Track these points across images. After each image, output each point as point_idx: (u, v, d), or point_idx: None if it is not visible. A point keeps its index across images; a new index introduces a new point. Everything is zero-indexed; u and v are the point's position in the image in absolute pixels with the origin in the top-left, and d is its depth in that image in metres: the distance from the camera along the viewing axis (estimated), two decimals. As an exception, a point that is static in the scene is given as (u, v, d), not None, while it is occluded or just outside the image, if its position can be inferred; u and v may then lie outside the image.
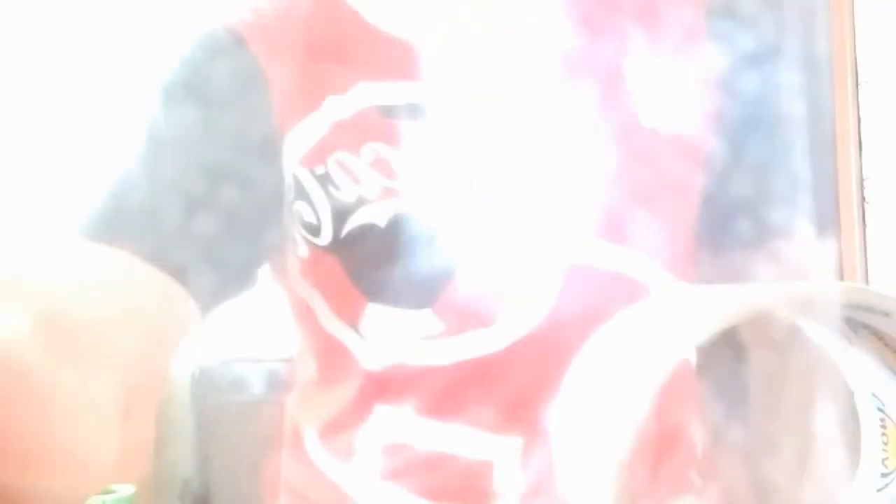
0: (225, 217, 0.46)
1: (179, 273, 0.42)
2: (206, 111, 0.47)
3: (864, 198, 1.36)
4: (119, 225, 0.43)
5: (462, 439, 0.48)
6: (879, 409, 0.33)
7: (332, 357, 0.52)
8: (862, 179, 1.36)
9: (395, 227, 0.46)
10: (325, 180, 0.48)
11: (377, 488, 0.50)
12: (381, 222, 0.46)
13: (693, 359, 0.51)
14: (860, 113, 1.36)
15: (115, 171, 0.44)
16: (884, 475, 0.33)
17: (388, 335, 0.48)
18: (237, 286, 0.49)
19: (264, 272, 0.54)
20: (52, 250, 0.41)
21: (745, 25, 0.53)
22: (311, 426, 0.54)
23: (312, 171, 0.48)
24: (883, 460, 0.34)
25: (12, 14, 1.36)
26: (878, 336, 0.31)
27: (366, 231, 0.47)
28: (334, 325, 0.50)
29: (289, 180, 0.49)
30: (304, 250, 0.49)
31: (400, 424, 0.49)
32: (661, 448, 0.48)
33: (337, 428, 0.52)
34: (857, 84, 1.36)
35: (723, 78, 0.52)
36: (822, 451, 0.37)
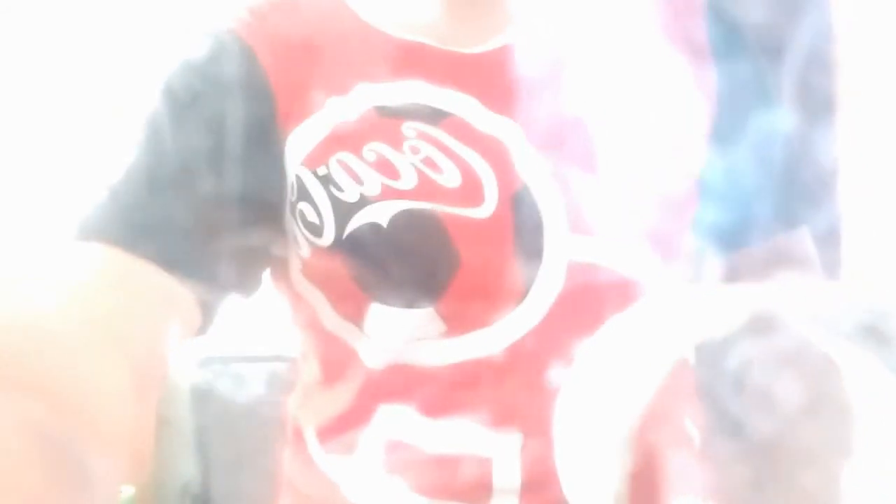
0: (227, 218, 0.46)
1: (181, 274, 0.42)
2: (207, 112, 0.47)
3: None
4: (121, 226, 0.43)
5: (462, 437, 0.48)
6: (880, 410, 0.33)
7: (335, 356, 0.52)
8: (862, 179, 1.36)
9: (397, 227, 0.46)
10: (327, 181, 0.48)
11: (378, 486, 0.50)
12: (384, 222, 0.46)
13: (693, 359, 0.51)
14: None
15: (115, 171, 0.44)
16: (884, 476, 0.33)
17: (391, 334, 0.48)
18: (240, 288, 0.49)
19: (266, 273, 0.54)
20: (53, 251, 0.41)
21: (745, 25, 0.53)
22: (312, 425, 0.54)
23: (315, 172, 0.48)
24: (883, 461, 0.34)
25: (12, 14, 1.36)
26: (879, 336, 0.31)
27: (368, 231, 0.47)
28: (338, 325, 0.50)
29: (291, 181, 0.49)
30: (306, 251, 0.49)
31: (402, 423, 0.49)
32: (660, 446, 0.48)
33: (339, 427, 0.52)
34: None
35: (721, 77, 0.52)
36: (822, 452, 0.37)
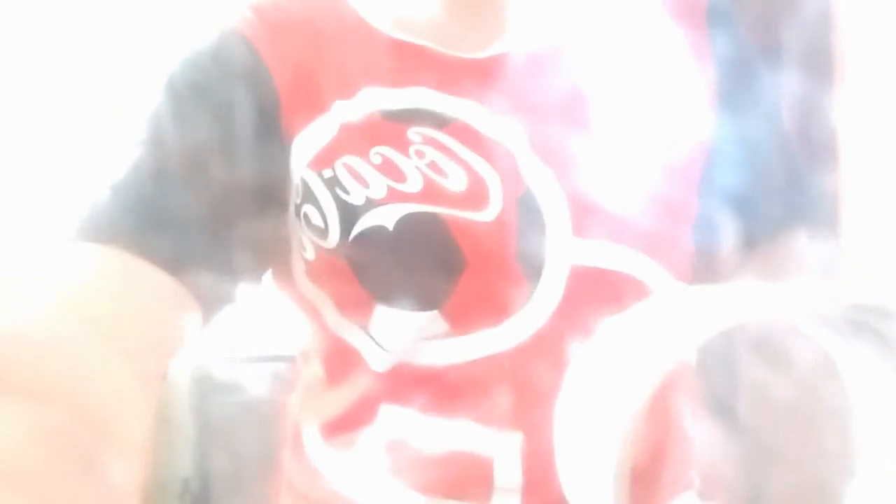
0: (230, 215, 0.46)
1: (181, 274, 0.42)
2: (211, 110, 0.47)
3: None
4: (122, 226, 0.42)
5: (464, 436, 0.48)
6: (878, 408, 0.33)
7: (339, 358, 0.52)
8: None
9: (402, 230, 0.46)
10: (332, 183, 0.48)
11: (379, 485, 0.50)
12: (389, 225, 0.47)
13: (693, 359, 0.51)
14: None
15: (117, 171, 0.44)
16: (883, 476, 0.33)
17: (396, 336, 0.48)
18: (240, 288, 0.49)
19: (267, 274, 0.54)
20: (52, 250, 0.41)
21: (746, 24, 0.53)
22: (313, 425, 0.54)
23: (320, 175, 0.48)
24: (882, 461, 0.34)
25: (13, 14, 1.36)
26: (880, 336, 0.31)
27: (374, 234, 0.47)
28: (343, 327, 0.50)
29: (296, 183, 0.49)
30: (310, 253, 0.49)
31: (404, 423, 0.50)
32: (661, 446, 0.48)
33: (341, 427, 0.52)
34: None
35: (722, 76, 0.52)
36: (821, 451, 0.37)
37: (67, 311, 0.36)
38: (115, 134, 0.47)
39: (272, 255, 0.51)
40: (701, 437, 0.53)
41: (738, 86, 0.51)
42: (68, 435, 0.29)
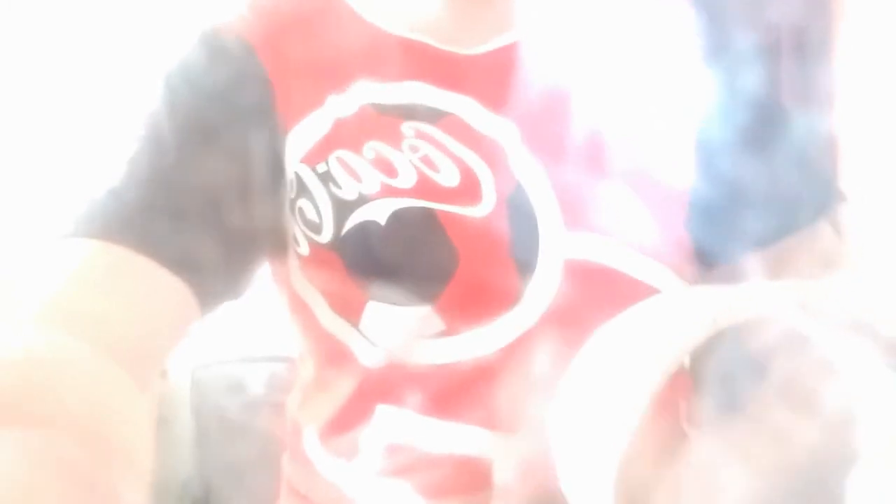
0: (225, 214, 0.46)
1: (178, 268, 0.42)
2: (206, 109, 0.47)
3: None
4: (120, 222, 0.42)
5: (462, 437, 0.48)
6: (879, 408, 0.33)
7: (332, 356, 0.52)
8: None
9: (395, 225, 0.47)
10: (326, 178, 0.48)
11: (378, 487, 0.50)
12: (381, 220, 0.47)
13: (692, 359, 0.51)
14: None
15: (115, 170, 0.44)
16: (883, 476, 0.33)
17: (388, 333, 0.48)
18: (239, 286, 0.49)
19: (264, 273, 0.54)
20: (52, 248, 0.41)
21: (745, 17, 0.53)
22: (311, 426, 0.54)
23: (314, 169, 0.48)
24: (882, 461, 0.34)
25: (12, 13, 1.36)
26: (879, 335, 0.31)
27: (366, 229, 0.47)
28: (335, 324, 0.50)
29: (290, 178, 0.49)
30: (305, 248, 0.49)
31: (401, 423, 0.49)
32: (659, 447, 0.48)
33: (338, 427, 0.52)
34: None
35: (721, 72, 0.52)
36: (821, 451, 0.37)
37: (58, 312, 0.36)
38: (113, 132, 0.47)
39: (272, 250, 0.51)
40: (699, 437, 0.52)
41: (729, 74, 0.51)
42: (76, 462, 0.28)
